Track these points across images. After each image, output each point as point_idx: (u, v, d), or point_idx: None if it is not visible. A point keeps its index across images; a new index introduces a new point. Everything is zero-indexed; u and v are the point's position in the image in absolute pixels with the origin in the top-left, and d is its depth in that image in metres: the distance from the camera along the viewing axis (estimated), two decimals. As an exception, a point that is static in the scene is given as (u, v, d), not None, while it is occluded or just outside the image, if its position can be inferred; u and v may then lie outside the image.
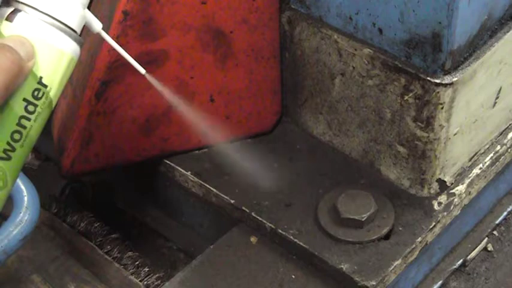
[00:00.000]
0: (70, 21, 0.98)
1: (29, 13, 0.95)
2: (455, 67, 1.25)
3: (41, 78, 0.95)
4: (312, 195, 1.38)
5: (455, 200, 1.36)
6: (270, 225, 1.34)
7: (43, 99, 0.95)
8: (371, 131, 1.37)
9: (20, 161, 0.96)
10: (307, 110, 1.45)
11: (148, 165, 1.46)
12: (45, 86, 0.95)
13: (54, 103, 0.98)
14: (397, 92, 1.29)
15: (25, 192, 1.23)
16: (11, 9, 0.95)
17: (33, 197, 1.23)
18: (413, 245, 1.30)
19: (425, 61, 1.24)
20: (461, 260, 1.49)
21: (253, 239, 1.36)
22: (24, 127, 0.94)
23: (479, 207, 1.53)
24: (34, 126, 0.95)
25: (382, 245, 1.30)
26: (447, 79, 1.24)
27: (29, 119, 0.95)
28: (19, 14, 0.95)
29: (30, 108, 0.94)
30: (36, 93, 0.94)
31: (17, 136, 0.94)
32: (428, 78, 1.24)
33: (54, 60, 0.96)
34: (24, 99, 0.94)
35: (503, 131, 1.45)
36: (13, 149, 0.94)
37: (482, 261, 1.52)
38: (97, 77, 1.31)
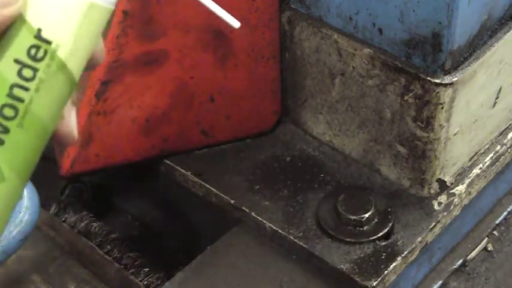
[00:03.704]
0: None
1: None
2: (455, 67, 1.25)
3: (39, 30, 0.69)
4: (312, 195, 1.38)
5: (455, 200, 1.36)
6: (270, 225, 1.34)
7: (46, 60, 0.69)
8: (371, 131, 1.37)
9: (23, 147, 0.71)
10: (307, 110, 1.45)
11: (148, 165, 1.46)
12: (48, 42, 0.69)
13: (71, 68, 0.71)
14: (397, 92, 1.29)
15: (25, 193, 1.23)
16: None
17: (33, 197, 1.23)
18: (413, 245, 1.30)
19: (426, 61, 1.24)
20: (461, 260, 1.49)
21: None
22: (21, 100, 0.69)
23: (479, 207, 1.53)
24: (37, 100, 0.69)
25: (382, 245, 1.30)
26: (447, 79, 1.24)
27: (26, 89, 0.69)
28: None
29: (27, 73, 0.68)
30: (33, 51, 0.69)
31: (9, 112, 0.68)
32: (429, 78, 1.24)
33: (61, 7, 0.69)
34: (16, 61, 0.68)
35: (503, 131, 1.45)
36: (6, 130, 0.69)
37: (482, 261, 1.52)
38: (97, 77, 1.31)
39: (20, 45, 0.68)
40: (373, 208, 1.32)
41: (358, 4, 1.27)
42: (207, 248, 1.37)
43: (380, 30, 1.27)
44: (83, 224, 1.46)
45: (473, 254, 1.51)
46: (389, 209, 1.33)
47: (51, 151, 1.53)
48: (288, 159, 1.45)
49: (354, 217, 1.31)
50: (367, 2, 1.26)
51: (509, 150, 1.44)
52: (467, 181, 1.38)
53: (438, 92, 1.24)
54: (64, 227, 1.45)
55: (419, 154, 1.32)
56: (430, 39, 1.22)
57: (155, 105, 1.37)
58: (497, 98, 1.38)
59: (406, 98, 1.28)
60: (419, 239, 1.31)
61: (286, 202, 1.37)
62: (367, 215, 1.31)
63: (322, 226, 1.32)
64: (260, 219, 1.35)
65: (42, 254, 1.40)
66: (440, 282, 1.46)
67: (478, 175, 1.39)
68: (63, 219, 1.47)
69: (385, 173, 1.39)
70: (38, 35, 0.69)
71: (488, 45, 1.29)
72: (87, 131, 1.35)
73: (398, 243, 1.30)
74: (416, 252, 1.31)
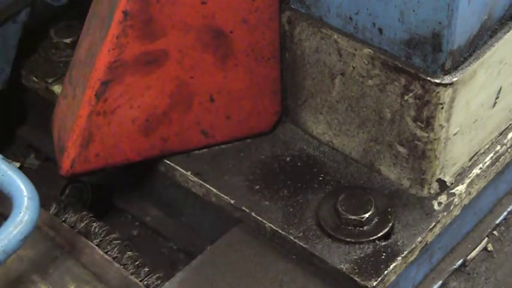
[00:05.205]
0: None
1: None
2: (455, 67, 1.25)
3: None
4: (312, 195, 1.38)
5: (455, 200, 1.36)
6: (270, 225, 1.34)
7: None
8: (371, 131, 1.37)
9: None
10: (307, 110, 1.45)
11: (148, 165, 1.46)
12: None
13: None
14: (397, 92, 1.29)
15: (25, 193, 1.23)
16: None
17: (33, 197, 1.23)
18: (413, 245, 1.30)
19: (426, 61, 1.24)
20: (461, 260, 1.49)
21: None
22: None
23: (479, 207, 1.53)
24: None
25: (382, 245, 1.30)
26: (447, 79, 1.24)
27: None
28: None
29: None
30: None
31: None
32: (429, 78, 1.24)
33: None
34: None
35: (503, 131, 1.45)
36: None
37: (482, 261, 1.52)
38: (97, 77, 1.31)
39: None
40: (373, 208, 1.32)
41: (358, 4, 1.27)
42: (207, 248, 1.37)
43: (380, 30, 1.27)
44: (83, 224, 1.46)
45: (473, 254, 1.51)
46: (389, 209, 1.33)
47: (51, 151, 1.54)
48: (288, 159, 1.45)
49: (354, 217, 1.31)
50: (367, 2, 1.26)
51: (509, 150, 1.44)
52: (467, 181, 1.38)
53: (438, 92, 1.24)
54: (64, 227, 1.45)
55: (419, 154, 1.32)
56: (430, 39, 1.22)
57: (155, 105, 1.37)
58: (497, 98, 1.38)
59: (406, 98, 1.28)
60: (419, 239, 1.31)
61: (286, 202, 1.37)
62: (367, 215, 1.31)
63: (322, 226, 1.32)
64: (260, 219, 1.35)
65: (42, 254, 1.40)
66: (440, 282, 1.46)
67: (478, 175, 1.39)
68: (63, 219, 1.47)
69: (385, 173, 1.39)
70: None
71: (488, 45, 1.29)
72: (87, 131, 1.35)
73: (398, 243, 1.30)
74: (416, 252, 1.31)
